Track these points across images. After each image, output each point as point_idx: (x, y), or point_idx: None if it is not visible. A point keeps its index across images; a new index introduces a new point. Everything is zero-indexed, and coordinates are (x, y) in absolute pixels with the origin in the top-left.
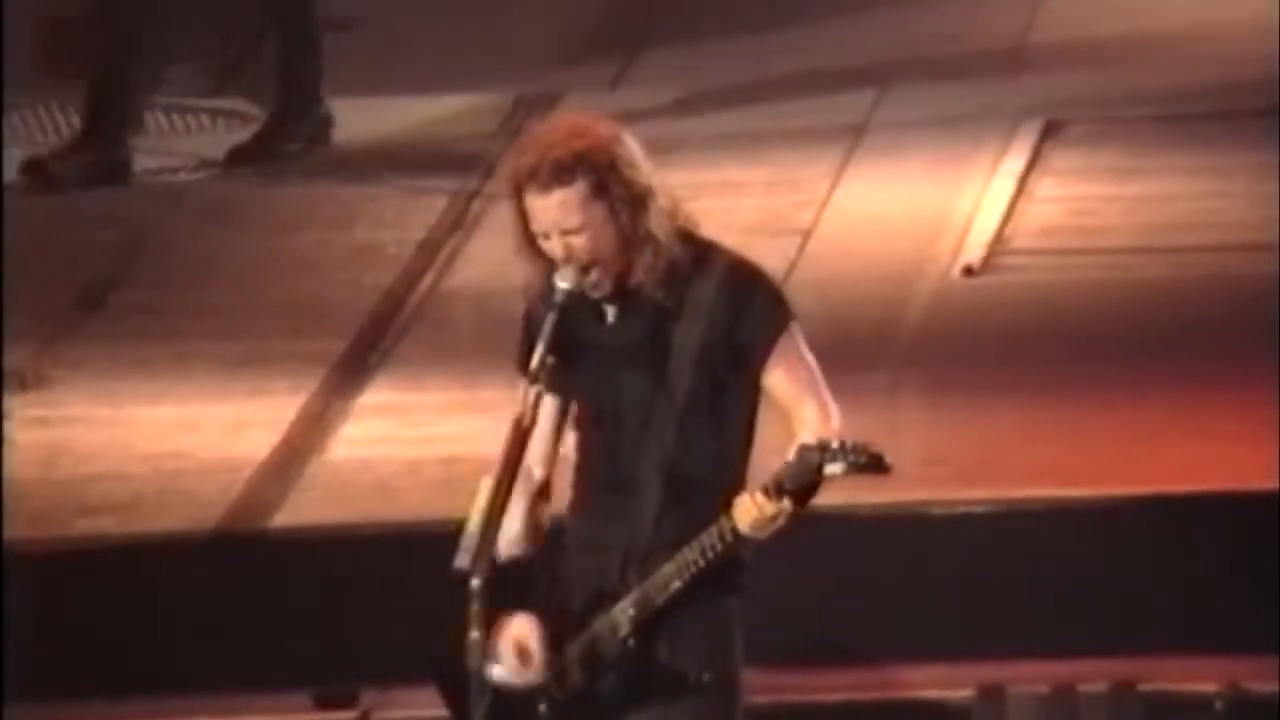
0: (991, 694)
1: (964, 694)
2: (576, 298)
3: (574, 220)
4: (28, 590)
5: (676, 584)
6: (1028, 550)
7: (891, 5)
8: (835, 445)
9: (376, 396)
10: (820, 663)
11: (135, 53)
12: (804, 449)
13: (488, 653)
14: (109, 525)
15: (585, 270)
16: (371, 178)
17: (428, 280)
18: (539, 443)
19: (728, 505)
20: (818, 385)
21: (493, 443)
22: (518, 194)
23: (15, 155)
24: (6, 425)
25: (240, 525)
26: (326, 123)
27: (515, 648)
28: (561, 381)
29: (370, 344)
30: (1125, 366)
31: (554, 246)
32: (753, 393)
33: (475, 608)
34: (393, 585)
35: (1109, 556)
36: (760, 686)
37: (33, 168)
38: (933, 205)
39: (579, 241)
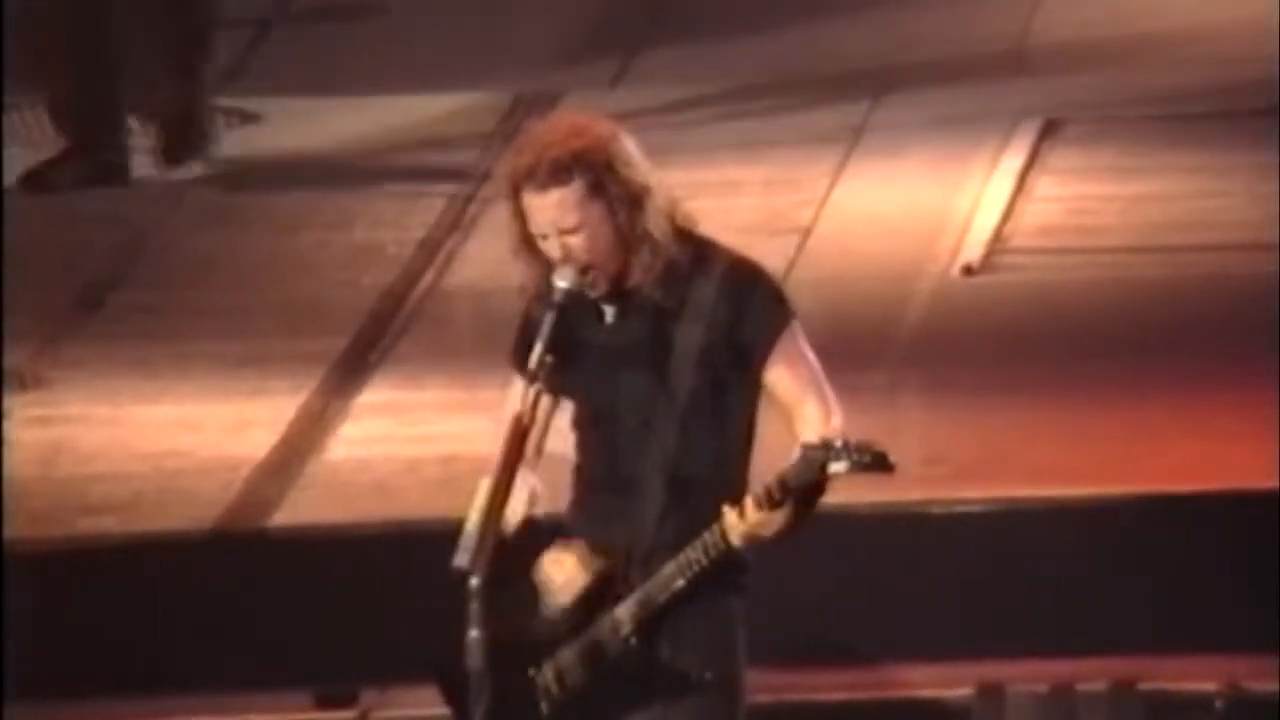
0: (991, 693)
1: (963, 693)
2: (575, 297)
3: (571, 220)
4: (28, 590)
5: (679, 583)
6: (1027, 550)
7: (891, 5)
8: (839, 444)
9: (376, 396)
10: (820, 662)
11: (114, 65)
12: (807, 448)
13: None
14: (109, 525)
15: (583, 270)
16: (371, 178)
17: (427, 280)
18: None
19: (733, 503)
20: (819, 383)
21: (491, 442)
22: (515, 193)
23: (15, 155)
24: (6, 425)
25: (240, 524)
26: (205, 139)
27: (557, 565)
28: (560, 381)
29: (369, 343)
30: (1125, 366)
31: (551, 246)
32: (754, 391)
33: (475, 607)
34: (392, 584)
35: (1109, 556)
36: (760, 686)
37: (31, 179)
38: (932, 204)
39: (576, 241)
